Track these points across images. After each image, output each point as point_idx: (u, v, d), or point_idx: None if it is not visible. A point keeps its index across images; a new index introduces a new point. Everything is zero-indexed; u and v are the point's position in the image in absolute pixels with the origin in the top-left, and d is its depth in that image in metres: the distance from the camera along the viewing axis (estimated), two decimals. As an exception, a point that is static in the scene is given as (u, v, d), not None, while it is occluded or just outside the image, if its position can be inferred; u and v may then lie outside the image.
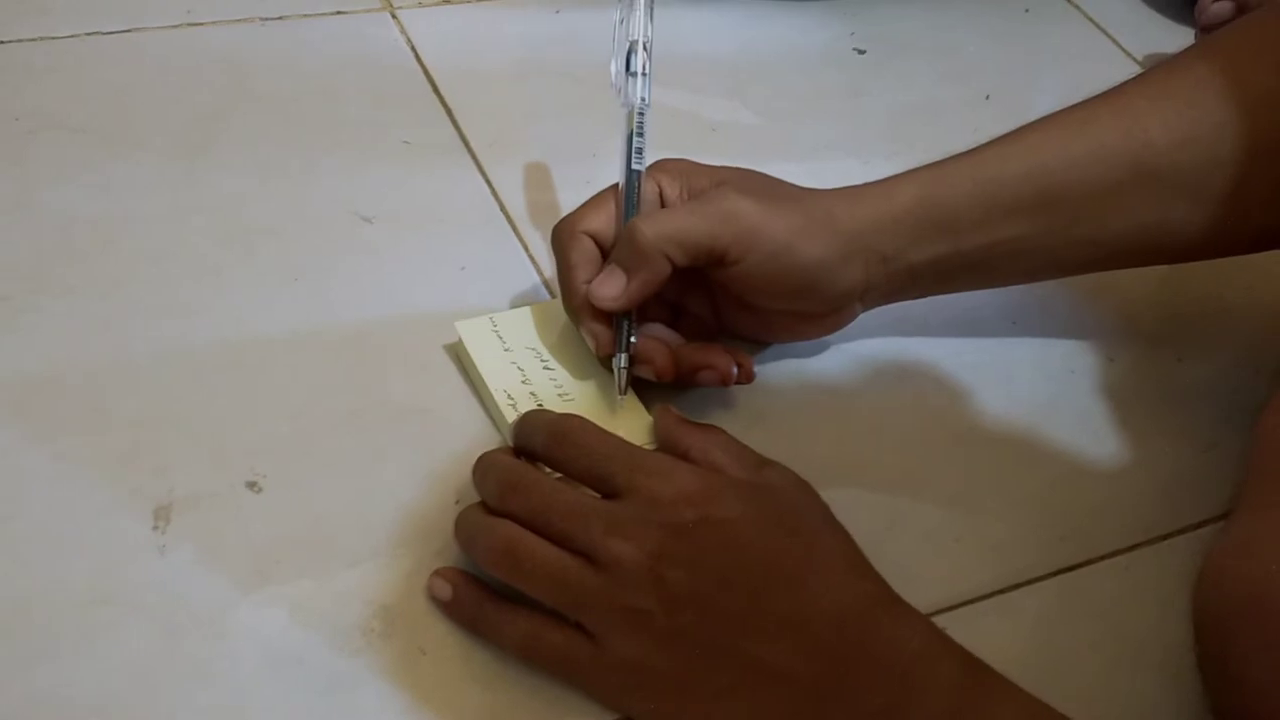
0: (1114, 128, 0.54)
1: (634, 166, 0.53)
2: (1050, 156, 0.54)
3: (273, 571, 0.46)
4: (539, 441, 0.46)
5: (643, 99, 0.56)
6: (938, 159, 0.55)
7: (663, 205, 0.54)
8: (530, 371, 0.52)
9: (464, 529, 0.46)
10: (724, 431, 0.49)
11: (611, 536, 0.42)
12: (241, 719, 0.42)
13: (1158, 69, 0.56)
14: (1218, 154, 0.52)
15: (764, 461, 0.47)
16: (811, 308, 0.55)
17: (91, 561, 0.45)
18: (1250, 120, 0.52)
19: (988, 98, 0.77)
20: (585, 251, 0.52)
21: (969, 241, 0.54)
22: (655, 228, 0.50)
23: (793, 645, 0.41)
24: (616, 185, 0.54)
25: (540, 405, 0.51)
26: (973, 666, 0.42)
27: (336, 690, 0.43)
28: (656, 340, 0.53)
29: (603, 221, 0.53)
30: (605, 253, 0.53)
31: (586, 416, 0.47)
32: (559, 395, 0.52)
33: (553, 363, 0.53)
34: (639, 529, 0.42)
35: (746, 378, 0.54)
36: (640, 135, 0.54)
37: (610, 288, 0.51)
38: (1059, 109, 0.55)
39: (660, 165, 0.54)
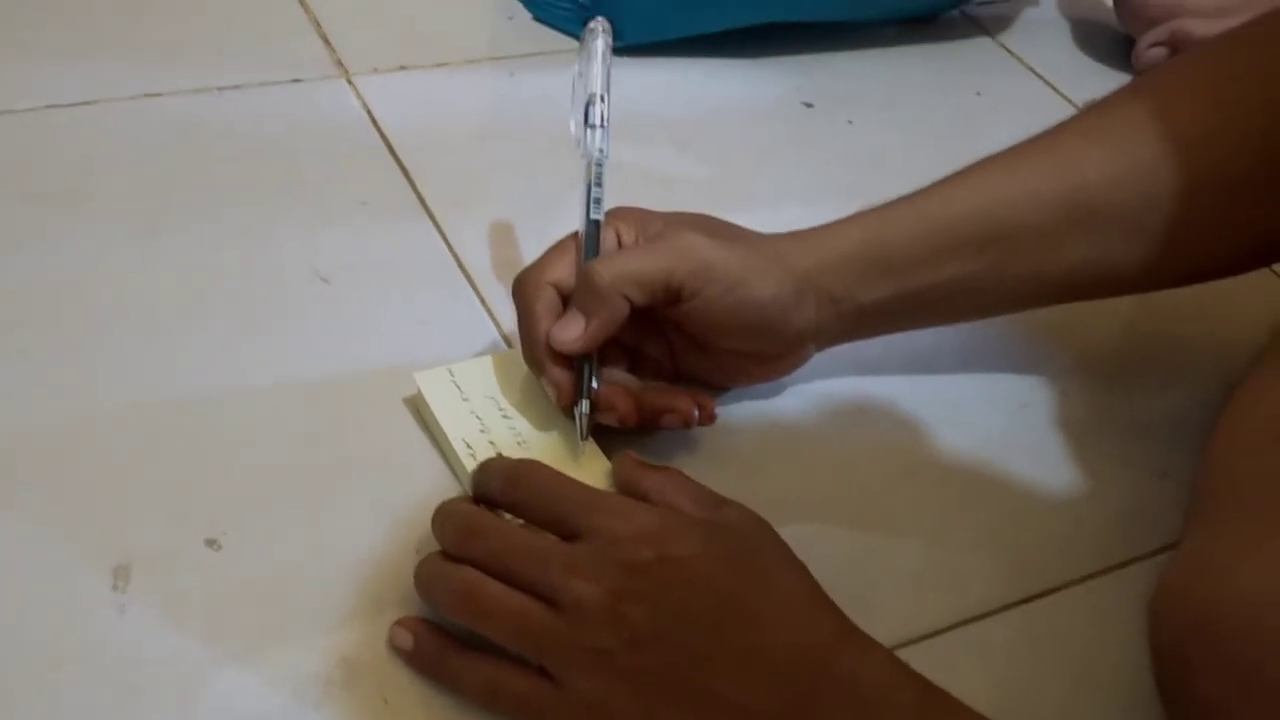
0: (1050, 170, 0.55)
1: (592, 216, 0.54)
2: (989, 198, 0.55)
3: (233, 628, 0.46)
4: (496, 486, 0.47)
5: (601, 150, 0.57)
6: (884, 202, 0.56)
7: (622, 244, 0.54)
8: (489, 421, 0.53)
9: (423, 577, 0.46)
10: (682, 473, 0.49)
11: (571, 577, 0.42)
12: (203, 775, 0.42)
13: (1091, 110, 0.58)
14: (1152, 192, 0.54)
15: (722, 501, 0.48)
16: (766, 347, 0.56)
17: (50, 621, 0.45)
18: (1182, 158, 0.53)
19: (933, 147, 0.79)
20: (548, 301, 0.53)
21: (915, 281, 0.55)
22: (612, 269, 0.51)
23: (753, 680, 0.42)
24: (576, 233, 0.55)
25: (499, 454, 0.51)
26: (932, 694, 0.42)
27: (298, 740, 0.43)
28: (618, 386, 0.53)
29: (564, 271, 0.53)
30: (567, 302, 0.54)
31: (547, 464, 0.47)
32: (518, 444, 0.52)
33: (511, 412, 0.53)
34: (598, 569, 0.43)
35: (708, 419, 0.55)
36: (599, 185, 0.56)
37: (570, 331, 0.51)
38: (998, 151, 0.57)
39: (616, 212, 0.55)
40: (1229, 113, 0.53)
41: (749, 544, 0.45)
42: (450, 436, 0.52)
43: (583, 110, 0.58)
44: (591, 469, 0.52)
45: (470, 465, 0.50)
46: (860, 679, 0.42)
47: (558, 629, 0.42)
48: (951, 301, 0.57)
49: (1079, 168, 0.55)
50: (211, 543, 0.48)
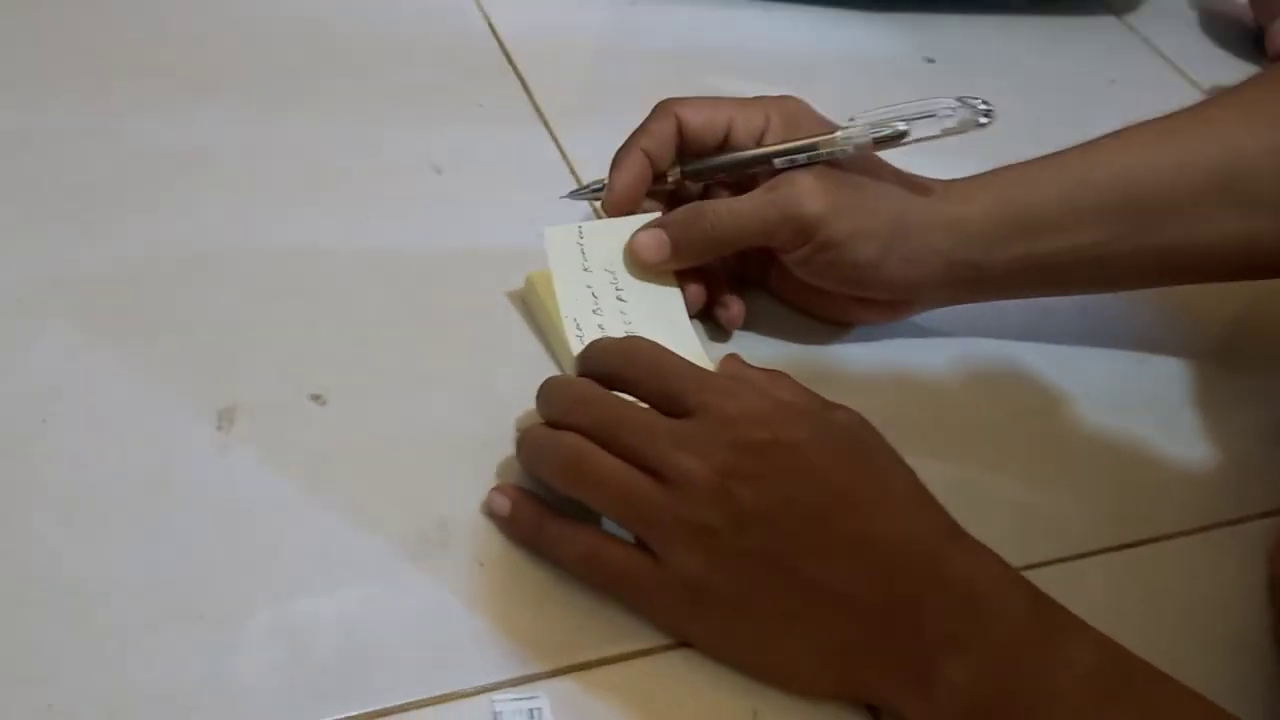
0: (1202, 138, 0.53)
1: (777, 161, 0.52)
2: (1135, 163, 0.53)
3: (332, 481, 0.46)
4: (609, 362, 0.46)
5: (849, 150, 0.52)
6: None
7: (760, 142, 0.53)
8: (603, 299, 0.52)
9: (529, 444, 0.45)
10: (788, 375, 0.48)
11: (680, 452, 0.42)
12: (293, 611, 0.42)
13: (1246, 84, 0.55)
14: None
15: (830, 403, 0.46)
16: (865, 295, 0.54)
17: (154, 453, 0.45)
18: None
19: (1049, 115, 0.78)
20: (665, 136, 0.53)
21: (1048, 244, 0.53)
22: (720, 225, 0.51)
23: (858, 570, 0.41)
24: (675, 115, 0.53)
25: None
26: (1042, 600, 0.41)
27: (392, 592, 0.43)
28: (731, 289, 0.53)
29: (703, 120, 0.53)
30: (685, 144, 0.53)
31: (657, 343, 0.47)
32: (625, 328, 0.51)
33: (626, 294, 0.52)
34: (708, 446, 0.42)
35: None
36: (808, 160, 0.52)
37: (652, 251, 0.52)
38: (1142, 120, 0.55)
39: (781, 103, 0.54)
40: None
41: (860, 440, 0.44)
42: (563, 311, 0.51)
43: (884, 131, 0.52)
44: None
45: (576, 346, 0.49)
46: (969, 578, 0.41)
47: (662, 502, 0.41)
48: (1081, 270, 0.54)
49: (1234, 138, 0.52)
50: (316, 398, 0.48)
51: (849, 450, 0.43)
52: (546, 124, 0.66)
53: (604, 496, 0.43)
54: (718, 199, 0.53)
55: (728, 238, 0.52)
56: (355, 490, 0.46)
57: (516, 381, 0.50)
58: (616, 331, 0.51)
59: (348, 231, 0.56)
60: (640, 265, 0.52)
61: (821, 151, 0.51)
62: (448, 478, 0.47)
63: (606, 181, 0.54)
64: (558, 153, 0.64)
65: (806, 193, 0.51)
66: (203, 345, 0.50)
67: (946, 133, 0.51)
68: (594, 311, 0.51)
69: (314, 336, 0.51)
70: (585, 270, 0.52)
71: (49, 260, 0.52)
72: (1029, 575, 0.49)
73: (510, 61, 0.70)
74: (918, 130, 0.51)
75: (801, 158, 0.51)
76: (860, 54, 0.80)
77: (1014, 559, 0.49)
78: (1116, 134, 0.54)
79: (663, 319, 0.52)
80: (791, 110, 0.54)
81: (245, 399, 0.48)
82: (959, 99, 0.52)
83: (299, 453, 0.46)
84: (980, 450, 0.54)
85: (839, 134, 0.52)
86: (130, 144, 0.59)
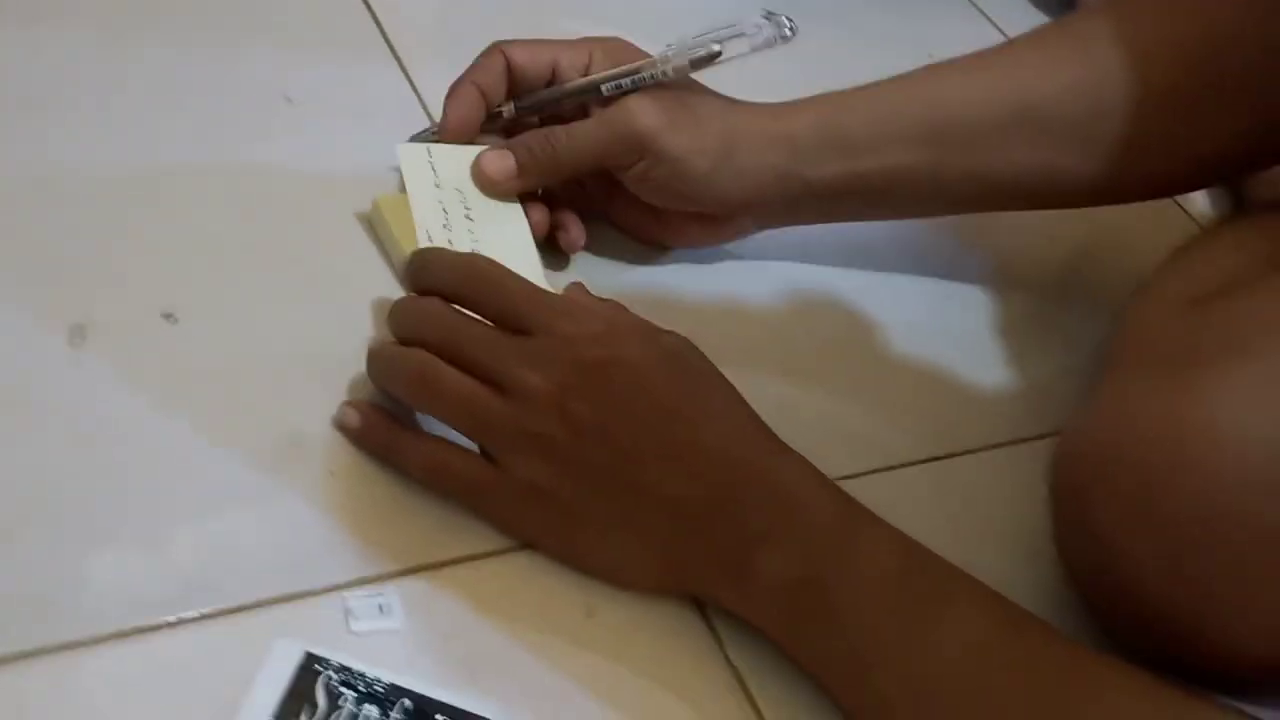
0: (1002, 72, 0.58)
1: (604, 87, 0.55)
2: (938, 92, 0.58)
3: (187, 393, 0.47)
4: (450, 278, 0.48)
5: (669, 73, 0.55)
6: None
7: (587, 73, 0.56)
8: (452, 215, 0.54)
9: (378, 360, 0.48)
10: (624, 306, 0.51)
11: (522, 367, 0.44)
12: (150, 520, 0.43)
13: (1051, 24, 0.60)
14: (1106, 101, 0.56)
15: (661, 329, 0.49)
16: (704, 210, 0.58)
17: (5, 371, 0.46)
18: (1139, 69, 0.55)
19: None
20: (495, 72, 0.56)
21: (863, 164, 0.57)
22: (561, 146, 0.55)
23: (683, 474, 0.44)
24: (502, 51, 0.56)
25: None
26: (849, 502, 0.45)
27: (247, 500, 0.45)
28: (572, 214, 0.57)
29: (528, 56, 0.56)
30: (515, 82, 0.57)
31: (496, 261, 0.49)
32: (473, 245, 0.53)
33: (475, 213, 0.55)
34: (549, 362, 0.45)
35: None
36: (633, 85, 0.55)
37: (500, 168, 0.55)
38: (952, 58, 0.59)
39: (603, 41, 0.57)
40: (1179, 26, 0.55)
41: (688, 361, 0.48)
42: (416, 216, 0.53)
43: (698, 52, 0.55)
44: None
45: None
46: (783, 479, 0.45)
47: (504, 413, 0.44)
48: (895, 192, 0.58)
49: (1030, 73, 0.57)
50: (168, 316, 0.50)
51: (679, 369, 0.47)
52: (399, 60, 0.67)
53: (449, 409, 0.45)
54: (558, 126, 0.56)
55: (569, 159, 0.55)
56: (209, 406, 0.47)
57: (363, 301, 0.53)
58: (464, 247, 0.53)
59: (200, 156, 0.57)
60: (486, 186, 0.55)
61: (644, 75, 0.55)
62: (299, 393, 0.49)
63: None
64: (410, 89, 0.66)
65: (638, 110, 0.54)
66: (53, 264, 0.50)
67: (756, 49, 0.55)
68: (444, 226, 0.53)
69: (165, 256, 0.52)
70: (436, 187, 0.54)
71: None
72: (844, 485, 0.54)
73: (364, -2, 0.71)
74: (730, 49, 0.55)
75: (626, 82, 0.55)
76: (709, 6, 0.83)
77: (830, 470, 0.54)
78: (927, 68, 0.59)
79: (508, 239, 0.55)
80: (614, 47, 0.57)
81: (98, 317, 0.49)
82: (766, 14, 0.56)
83: (153, 369, 0.48)
84: (801, 371, 0.58)
85: (657, 58, 0.55)
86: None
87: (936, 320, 0.64)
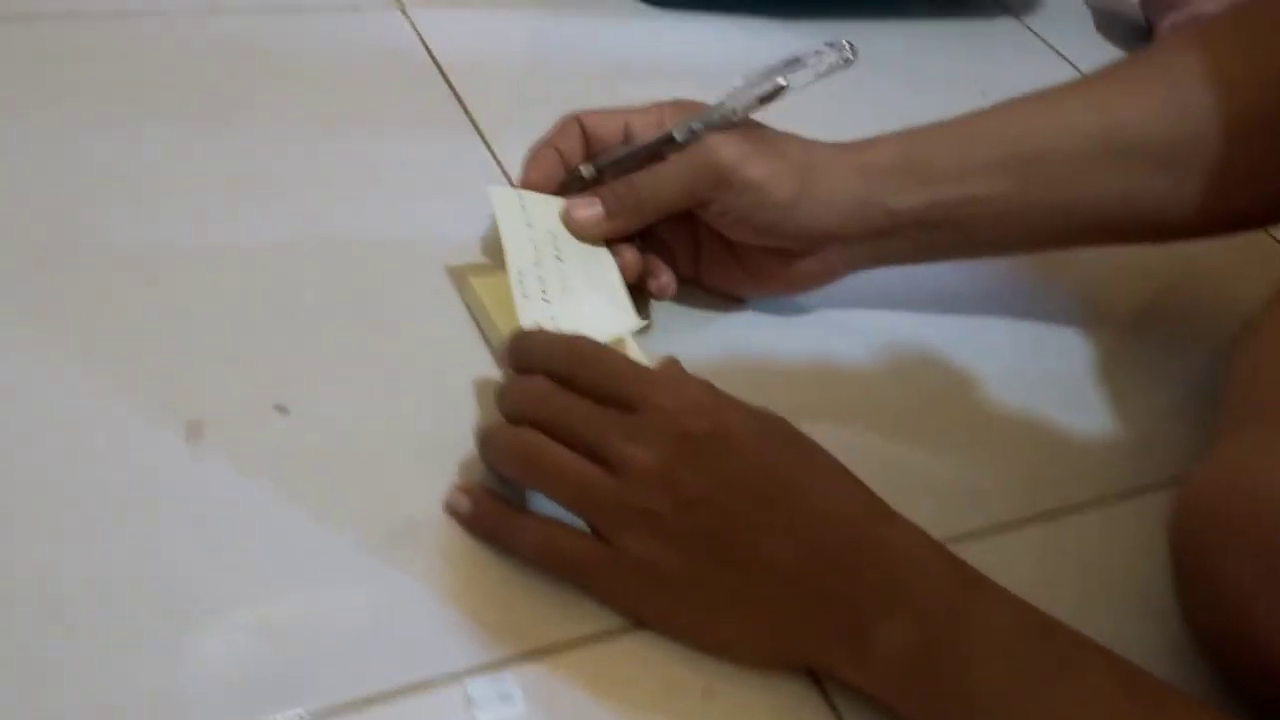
0: (1088, 102, 0.58)
1: (675, 134, 0.56)
2: (1024, 123, 0.58)
3: (300, 483, 0.48)
4: (552, 358, 0.48)
5: (739, 110, 0.56)
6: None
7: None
8: (544, 257, 0.55)
9: (487, 438, 0.48)
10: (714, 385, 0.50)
11: (626, 443, 0.45)
12: (268, 609, 0.44)
13: (1136, 55, 0.60)
14: (1194, 130, 0.55)
15: (753, 406, 0.48)
16: (784, 243, 0.57)
17: (126, 468, 0.47)
18: (1224, 97, 0.55)
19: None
20: (571, 136, 0.58)
21: (945, 192, 0.57)
22: (646, 188, 0.55)
23: (794, 544, 0.44)
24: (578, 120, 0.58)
25: (544, 295, 0.54)
26: (962, 565, 0.45)
27: (362, 587, 0.45)
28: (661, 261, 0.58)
29: (602, 120, 0.58)
30: (590, 146, 0.58)
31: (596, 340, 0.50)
32: (563, 291, 0.54)
33: (567, 256, 0.55)
34: (653, 437, 0.45)
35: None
36: (705, 127, 0.56)
37: (588, 213, 0.56)
38: (1031, 91, 0.59)
39: (672, 103, 0.58)
40: (1262, 55, 0.55)
41: (786, 430, 0.48)
42: (509, 254, 0.53)
43: (764, 87, 0.56)
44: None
45: (520, 301, 0.52)
46: (899, 550, 0.44)
47: (611, 489, 0.45)
48: (978, 224, 0.58)
49: (1117, 102, 0.57)
50: (280, 408, 0.51)
51: (780, 439, 0.47)
52: (481, 133, 0.68)
53: (558, 486, 0.46)
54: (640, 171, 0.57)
55: (653, 199, 0.56)
56: (322, 494, 0.48)
57: (464, 379, 0.53)
58: (554, 289, 0.54)
59: (293, 238, 0.59)
60: (575, 230, 0.56)
61: (715, 116, 0.56)
62: (409, 477, 0.49)
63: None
64: (490, 158, 0.67)
65: (718, 144, 0.55)
66: (167, 357, 0.51)
67: (820, 76, 0.56)
68: (535, 264, 0.54)
69: (271, 342, 0.53)
70: (528, 226, 0.55)
71: (7, 288, 0.53)
72: (953, 547, 0.53)
73: (444, 75, 0.72)
74: (795, 81, 0.56)
75: (698, 125, 0.56)
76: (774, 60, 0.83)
77: (937, 532, 0.53)
78: (1007, 101, 0.59)
79: (597, 283, 0.56)
80: (682, 106, 0.58)
81: (212, 412, 0.50)
82: (826, 43, 0.57)
83: (267, 461, 0.49)
84: (897, 428, 0.58)
85: (725, 98, 0.56)
86: (78, 165, 0.60)
87: (1031, 367, 0.63)
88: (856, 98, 0.81)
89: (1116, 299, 0.70)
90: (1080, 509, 0.56)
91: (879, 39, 0.88)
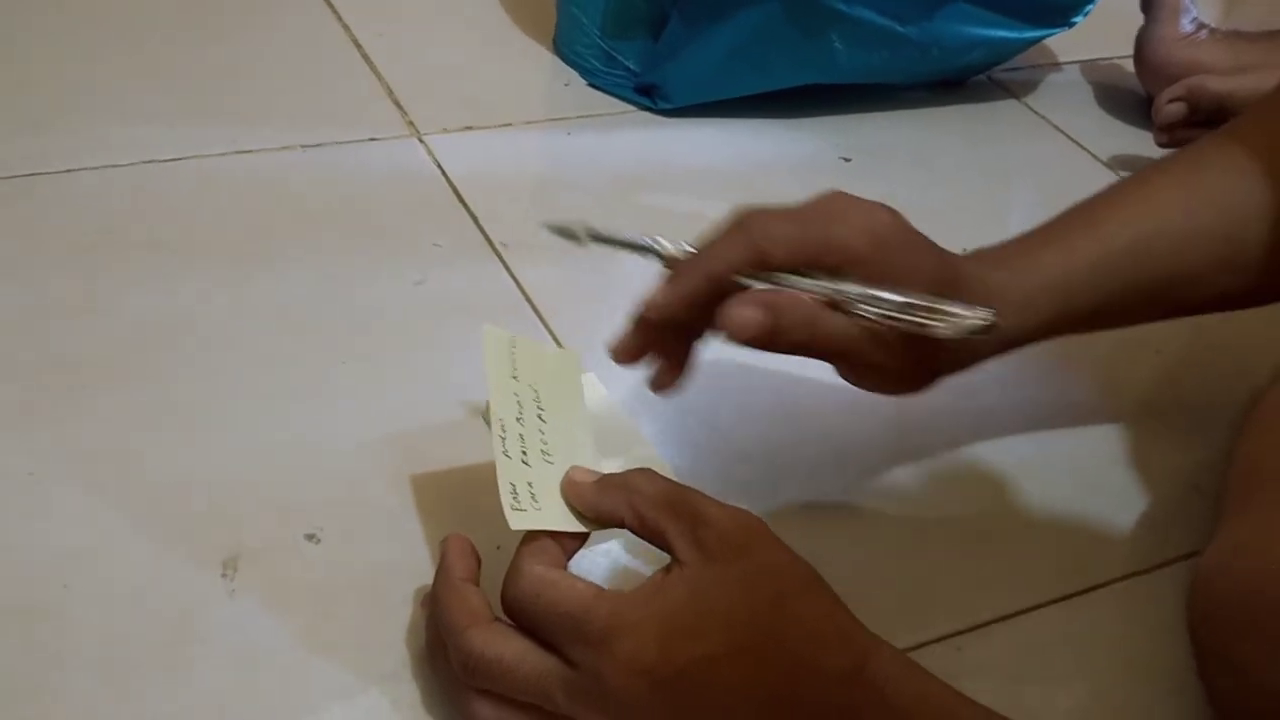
0: (1206, 206, 0.57)
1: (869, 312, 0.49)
2: (1151, 230, 0.57)
3: (333, 612, 0.50)
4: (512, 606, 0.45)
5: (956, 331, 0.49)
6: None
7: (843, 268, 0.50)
8: (526, 412, 0.52)
9: (450, 698, 0.46)
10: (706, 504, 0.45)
11: (575, 705, 0.42)
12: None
13: (1165, 160, 0.60)
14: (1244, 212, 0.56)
15: (743, 545, 0.43)
16: (908, 361, 0.52)
17: (170, 608, 0.49)
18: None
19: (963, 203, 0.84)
20: (735, 264, 0.50)
21: (1076, 303, 0.56)
22: (825, 329, 0.49)
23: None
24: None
25: (524, 458, 0.50)
26: (971, 704, 0.42)
27: (404, 715, 0.47)
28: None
29: (787, 251, 0.50)
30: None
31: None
32: (541, 451, 0.51)
33: (548, 415, 0.53)
34: (597, 701, 0.42)
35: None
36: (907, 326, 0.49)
37: (750, 322, 0.48)
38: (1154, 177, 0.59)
39: (871, 216, 0.52)
40: None
41: (764, 591, 0.42)
42: (493, 403, 0.51)
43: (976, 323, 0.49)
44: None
45: (501, 459, 0.49)
46: (889, 693, 0.41)
47: None
48: (1092, 323, 0.58)
49: (1232, 203, 0.57)
50: (311, 537, 0.53)
51: (751, 622, 0.42)
52: (500, 256, 0.71)
53: None
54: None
55: (825, 344, 0.49)
56: (354, 623, 0.50)
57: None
58: (533, 445, 0.50)
59: (327, 381, 0.61)
60: (731, 336, 0.48)
61: (917, 320, 0.49)
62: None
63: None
64: (513, 282, 0.69)
65: (842, 223, 0.50)
66: (203, 498, 0.54)
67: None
68: (518, 419, 0.51)
69: (300, 474, 0.56)
70: (514, 378, 0.53)
71: (54, 434, 0.56)
72: (980, 634, 0.54)
73: (461, 200, 0.75)
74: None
75: (896, 315, 0.49)
76: (783, 159, 0.86)
77: (964, 619, 0.54)
78: (1133, 192, 0.58)
79: (574, 446, 0.52)
80: (882, 230, 0.51)
81: (246, 545, 0.52)
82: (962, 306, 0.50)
83: (300, 590, 0.51)
84: (917, 520, 0.59)
85: (950, 319, 0.49)
86: (120, 317, 0.63)
87: (1047, 449, 0.64)
88: (869, 191, 0.83)
89: (1127, 374, 0.71)
90: (1104, 587, 0.57)
91: (885, 130, 0.91)
